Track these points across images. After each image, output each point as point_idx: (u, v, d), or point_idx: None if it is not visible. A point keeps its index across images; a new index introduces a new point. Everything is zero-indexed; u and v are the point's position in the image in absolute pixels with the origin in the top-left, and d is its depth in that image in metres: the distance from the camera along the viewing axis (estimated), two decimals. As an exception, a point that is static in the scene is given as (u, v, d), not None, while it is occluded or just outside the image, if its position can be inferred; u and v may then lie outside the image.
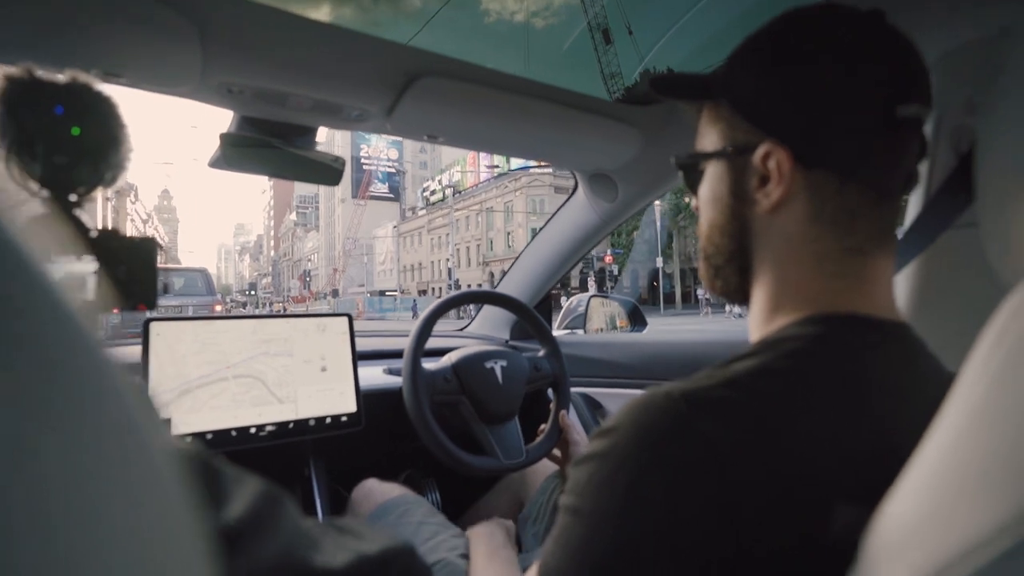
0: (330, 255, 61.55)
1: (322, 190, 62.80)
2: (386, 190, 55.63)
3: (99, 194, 0.58)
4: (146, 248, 0.59)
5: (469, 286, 28.04)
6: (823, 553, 0.33)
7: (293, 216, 71.90)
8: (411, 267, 48.23)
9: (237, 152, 0.93)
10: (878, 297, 0.44)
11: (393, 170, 54.47)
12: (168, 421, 0.95)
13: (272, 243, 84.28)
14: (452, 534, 0.96)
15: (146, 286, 0.58)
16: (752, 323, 0.49)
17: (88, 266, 0.53)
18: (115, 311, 0.61)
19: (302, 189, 68.43)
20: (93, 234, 0.54)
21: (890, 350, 0.42)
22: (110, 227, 0.59)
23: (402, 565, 0.40)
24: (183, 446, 0.29)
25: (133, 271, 0.57)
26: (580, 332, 1.54)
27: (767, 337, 0.43)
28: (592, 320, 1.50)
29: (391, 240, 50.05)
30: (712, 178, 0.49)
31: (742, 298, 0.50)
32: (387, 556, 0.39)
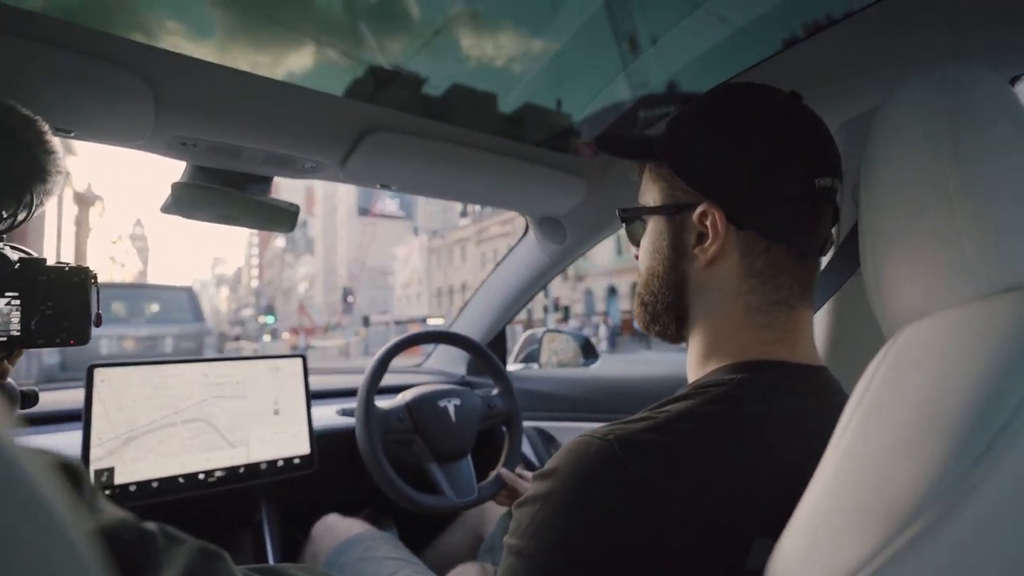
0: (329, 281, 54.42)
1: (321, 211, 56.40)
2: (396, 208, 49.67)
3: (53, 204, 0.52)
4: (77, 280, 0.56)
5: (558, 303, 23.53)
6: None
7: (281, 242, 65.18)
8: (450, 290, 38.21)
9: (189, 199, 0.94)
10: (800, 345, 0.50)
11: (404, 186, 48.72)
12: (111, 471, 0.93)
13: (256, 272, 76.90)
14: (415, 570, 0.97)
15: (77, 321, 0.56)
16: (689, 367, 0.54)
17: (10, 302, 0.52)
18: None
19: (291, 213, 63.68)
20: (16, 266, 0.53)
21: (809, 393, 0.47)
22: (35, 256, 0.57)
23: None
24: (111, 519, 0.29)
25: (62, 305, 0.55)
26: (535, 366, 1.57)
27: (699, 381, 0.48)
28: (545, 354, 1.54)
29: (417, 259, 41.47)
30: (653, 232, 0.54)
31: (679, 341, 0.55)
32: None
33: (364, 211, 48.88)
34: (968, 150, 0.38)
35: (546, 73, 0.99)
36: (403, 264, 44.63)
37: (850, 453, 0.35)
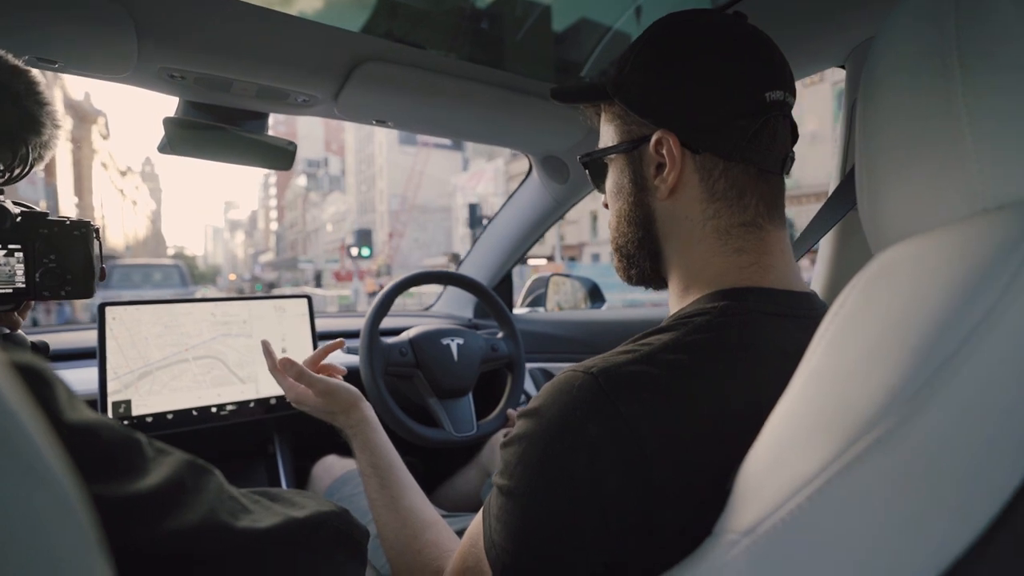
0: (364, 220, 47.38)
1: (353, 141, 49.76)
2: (444, 134, 43.77)
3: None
4: (78, 233, 0.56)
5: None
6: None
7: (302, 181, 59.52)
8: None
9: (184, 137, 0.94)
10: (778, 268, 0.49)
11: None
12: (127, 403, 0.98)
13: (275, 214, 71.71)
14: None
15: (79, 275, 0.56)
16: (670, 301, 0.53)
17: (13, 255, 0.53)
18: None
19: (310, 151, 56.27)
20: (17, 219, 0.53)
21: (790, 317, 0.46)
22: (36, 209, 0.57)
23: (332, 528, 0.42)
24: (90, 418, 0.29)
25: (64, 259, 0.55)
26: (541, 310, 1.58)
27: (680, 312, 0.48)
28: (551, 299, 1.54)
29: (486, 189, 32.27)
30: (615, 172, 0.54)
31: (659, 283, 0.55)
32: (317, 519, 0.40)
33: (410, 140, 42.44)
34: (977, 65, 0.35)
35: (549, 2, 0.94)
36: (465, 195, 35.95)
37: (817, 369, 0.34)
